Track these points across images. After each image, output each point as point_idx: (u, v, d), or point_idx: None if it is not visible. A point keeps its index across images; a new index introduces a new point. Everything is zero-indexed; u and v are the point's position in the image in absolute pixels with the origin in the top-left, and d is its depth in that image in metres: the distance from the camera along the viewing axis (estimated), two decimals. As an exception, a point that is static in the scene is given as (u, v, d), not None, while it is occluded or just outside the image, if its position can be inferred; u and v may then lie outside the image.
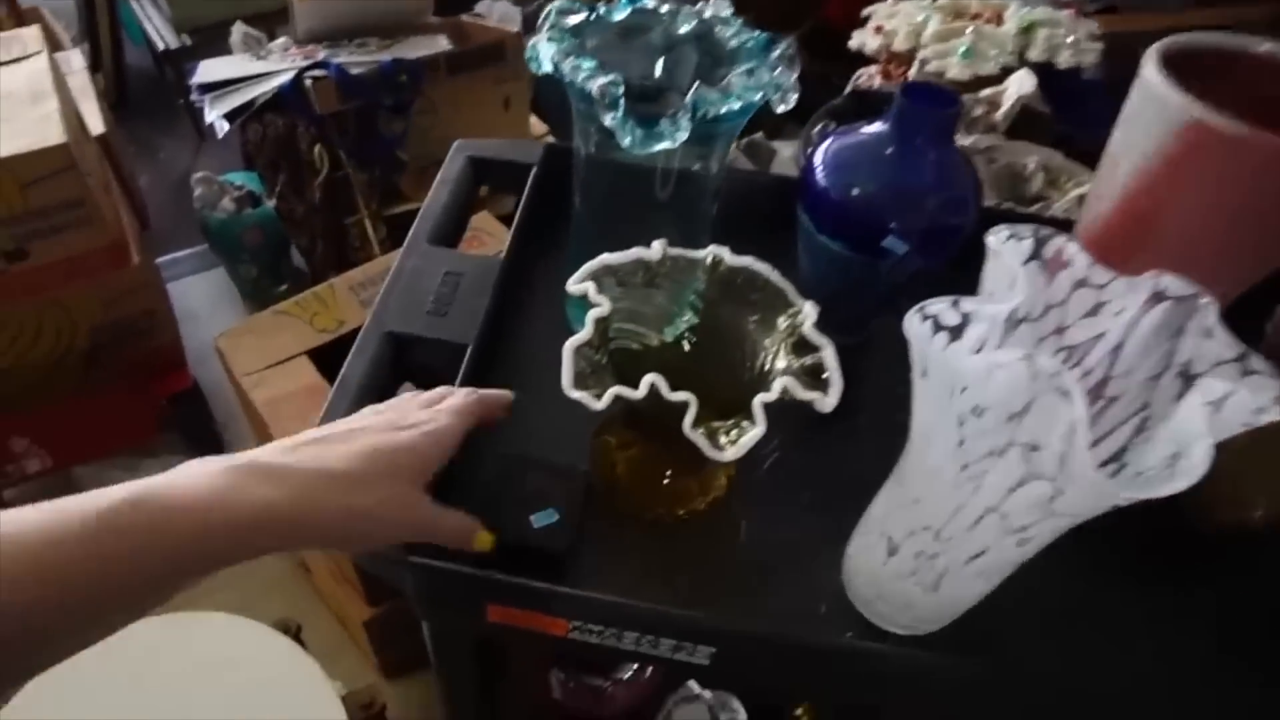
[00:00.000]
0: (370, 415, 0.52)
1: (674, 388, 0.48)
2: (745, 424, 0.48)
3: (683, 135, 0.52)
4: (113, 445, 1.62)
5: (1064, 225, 0.62)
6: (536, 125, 1.92)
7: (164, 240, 1.99)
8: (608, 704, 0.98)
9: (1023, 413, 0.39)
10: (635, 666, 1.03)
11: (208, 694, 0.91)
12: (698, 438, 0.47)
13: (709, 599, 0.55)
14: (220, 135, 1.59)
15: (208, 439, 1.70)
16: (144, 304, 1.37)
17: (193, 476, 0.41)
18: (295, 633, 1.01)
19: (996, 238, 0.44)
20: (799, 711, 1.07)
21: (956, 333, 0.43)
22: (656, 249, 0.56)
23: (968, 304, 0.42)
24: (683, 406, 0.47)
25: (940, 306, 0.42)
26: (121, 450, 1.68)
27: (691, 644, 0.52)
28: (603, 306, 0.51)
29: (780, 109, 0.55)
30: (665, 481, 0.58)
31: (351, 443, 0.47)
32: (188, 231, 1.94)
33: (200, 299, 2.02)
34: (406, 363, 0.66)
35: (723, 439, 0.48)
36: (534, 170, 0.79)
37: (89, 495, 0.38)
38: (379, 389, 0.62)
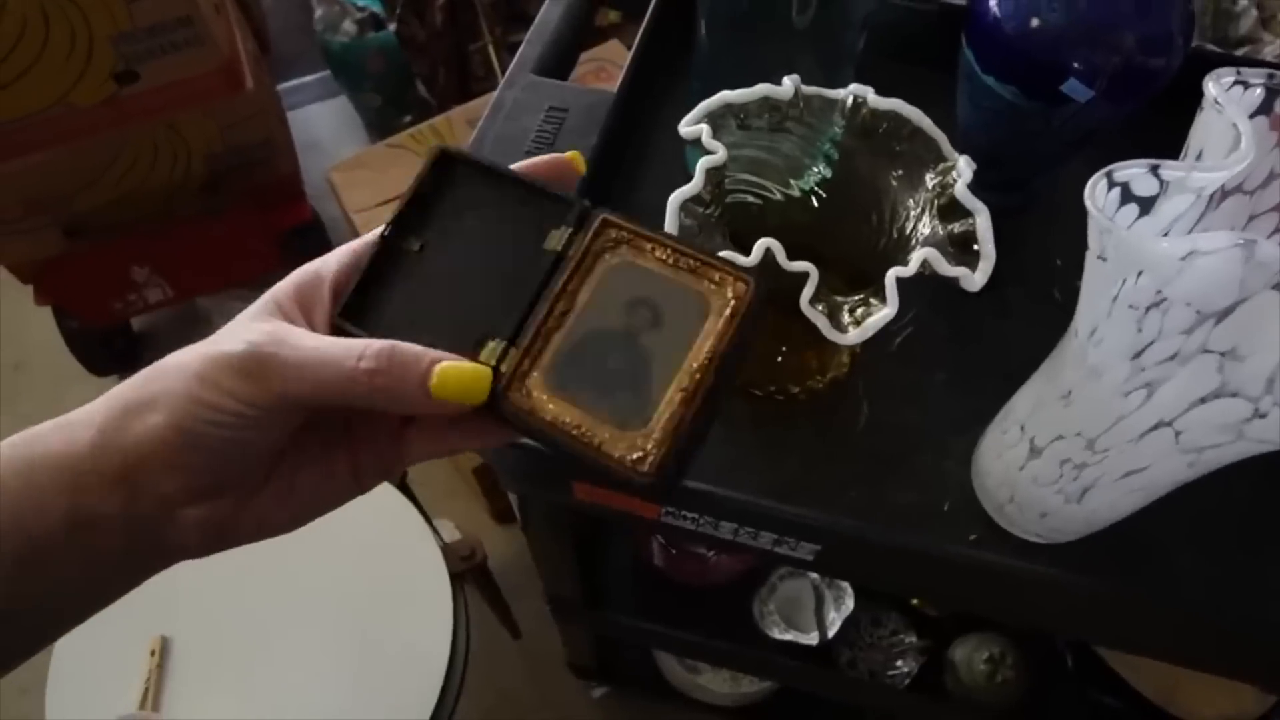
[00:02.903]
0: None
1: (797, 251, 0.41)
2: (874, 301, 0.42)
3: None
4: (233, 276, 1.64)
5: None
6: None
7: (287, 65, 1.92)
8: (711, 572, 0.95)
9: (1226, 313, 0.31)
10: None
11: (308, 543, 0.90)
12: (816, 316, 0.40)
13: (821, 488, 0.50)
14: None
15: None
16: (261, 131, 1.34)
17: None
18: (400, 480, 1.00)
19: (1218, 84, 0.35)
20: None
21: (1148, 206, 0.35)
22: (788, 86, 0.48)
23: (1171, 169, 0.33)
24: (801, 278, 0.40)
25: (1134, 171, 0.34)
26: (243, 282, 1.69)
27: (794, 539, 0.48)
28: (718, 154, 0.45)
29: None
30: (780, 357, 0.52)
31: None
32: (312, 57, 1.84)
33: (324, 128, 1.98)
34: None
35: (845, 318, 0.41)
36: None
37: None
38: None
